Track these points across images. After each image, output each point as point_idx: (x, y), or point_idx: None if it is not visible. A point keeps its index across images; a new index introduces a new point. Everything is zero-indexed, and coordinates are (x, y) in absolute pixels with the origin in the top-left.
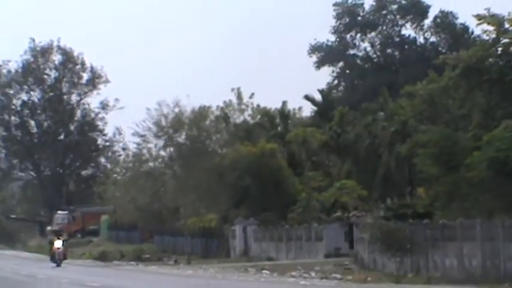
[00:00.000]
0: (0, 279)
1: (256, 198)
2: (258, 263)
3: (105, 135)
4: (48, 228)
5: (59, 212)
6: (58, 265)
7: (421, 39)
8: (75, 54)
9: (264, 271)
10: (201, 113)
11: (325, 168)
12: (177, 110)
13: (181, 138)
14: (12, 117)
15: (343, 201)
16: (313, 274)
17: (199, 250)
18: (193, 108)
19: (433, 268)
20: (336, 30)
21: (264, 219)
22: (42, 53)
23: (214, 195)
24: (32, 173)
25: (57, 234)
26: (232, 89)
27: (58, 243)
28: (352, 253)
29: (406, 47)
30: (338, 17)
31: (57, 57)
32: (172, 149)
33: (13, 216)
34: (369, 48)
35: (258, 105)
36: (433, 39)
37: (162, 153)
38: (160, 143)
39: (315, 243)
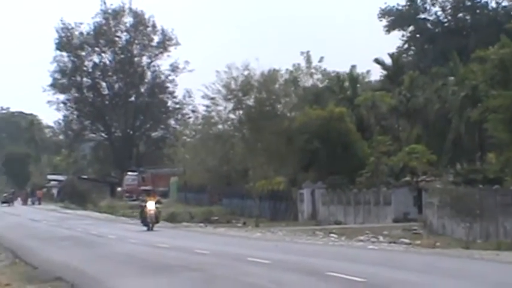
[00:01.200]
0: (72, 238)
1: (325, 162)
2: (325, 227)
3: (175, 97)
4: (119, 189)
5: (129, 173)
6: (149, 229)
7: (492, 4)
8: (146, 16)
9: (332, 235)
10: (270, 76)
11: (394, 132)
12: (246, 73)
13: (251, 101)
14: (84, 79)
15: (412, 165)
16: (381, 238)
17: (267, 213)
18: (262, 72)
19: (503, 234)
20: None
21: (332, 183)
22: (114, 15)
23: (283, 158)
24: (103, 134)
25: (149, 194)
26: (302, 53)
27: (151, 205)
28: (420, 218)
29: (478, 11)
30: None
31: (128, 20)
32: (241, 112)
33: (84, 176)
34: (439, 12)
35: (325, 70)
36: (505, 3)
37: (231, 116)
38: (230, 105)
39: (383, 207)
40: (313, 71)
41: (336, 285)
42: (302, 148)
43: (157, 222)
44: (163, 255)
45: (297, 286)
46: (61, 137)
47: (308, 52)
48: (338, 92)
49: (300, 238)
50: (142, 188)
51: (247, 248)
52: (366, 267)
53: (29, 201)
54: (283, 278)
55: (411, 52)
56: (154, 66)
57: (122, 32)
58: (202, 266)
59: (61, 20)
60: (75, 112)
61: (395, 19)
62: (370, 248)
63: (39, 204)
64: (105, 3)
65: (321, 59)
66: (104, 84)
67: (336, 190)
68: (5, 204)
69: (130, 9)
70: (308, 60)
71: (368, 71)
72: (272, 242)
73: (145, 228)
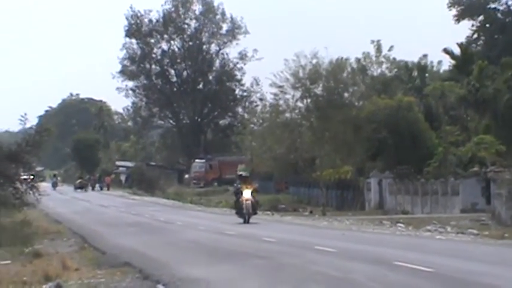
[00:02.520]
0: (140, 224)
1: (392, 151)
2: (393, 216)
3: (242, 85)
4: (186, 176)
5: (197, 160)
6: (246, 221)
7: None
8: (215, 4)
9: (399, 224)
10: (339, 64)
11: (463, 122)
12: (314, 61)
13: (318, 89)
14: (153, 66)
15: (480, 156)
16: (448, 229)
17: (334, 202)
18: (330, 60)
19: None
20: None
21: (399, 173)
22: (183, 2)
23: (350, 147)
24: (171, 121)
25: (246, 181)
26: (372, 41)
27: (247, 193)
28: (488, 209)
29: None
30: None
31: (197, 7)
32: (309, 100)
33: (152, 163)
34: (510, 2)
35: (394, 59)
36: None
37: (299, 104)
38: (298, 94)
39: (451, 197)
40: (382, 59)
41: (403, 275)
42: (370, 137)
43: (254, 213)
44: (230, 243)
45: (364, 275)
46: (130, 123)
47: (379, 41)
48: (407, 81)
49: (366, 227)
50: (239, 173)
51: (314, 237)
52: (433, 257)
53: (97, 186)
54: (350, 266)
55: (480, 42)
56: (222, 54)
57: (190, 19)
58: (269, 254)
59: (131, 7)
60: (144, 99)
61: (465, 8)
62: (438, 238)
63: (108, 190)
64: None
65: (391, 48)
66: (172, 71)
67: (404, 180)
68: (80, 190)
69: None
70: (378, 48)
71: (440, 61)
72: (339, 230)
73: (241, 220)
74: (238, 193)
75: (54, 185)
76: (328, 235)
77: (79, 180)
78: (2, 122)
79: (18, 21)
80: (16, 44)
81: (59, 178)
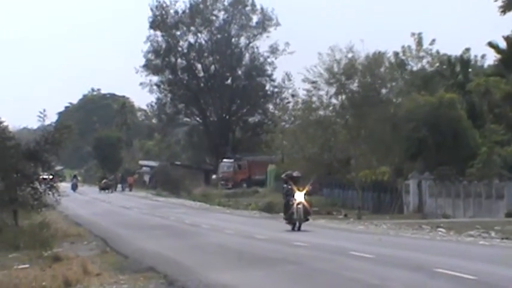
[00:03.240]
0: (164, 227)
1: (433, 152)
2: (432, 220)
3: (273, 80)
4: (214, 176)
5: (225, 159)
6: (296, 228)
7: None
8: None
9: (440, 229)
10: (376, 59)
11: (509, 121)
12: (350, 55)
13: (354, 85)
14: (179, 60)
15: None
16: (492, 234)
17: (370, 205)
18: (367, 54)
19: None
20: None
21: (440, 174)
22: None
23: (388, 147)
24: (198, 118)
25: (297, 181)
26: (413, 34)
27: (299, 196)
28: None
29: None
30: None
31: None
32: (344, 97)
33: (178, 163)
34: None
35: (438, 52)
36: None
37: (334, 101)
38: (332, 90)
39: (495, 201)
40: (423, 53)
41: (444, 282)
42: (409, 136)
43: (306, 219)
44: (259, 247)
45: (402, 283)
46: (154, 120)
47: (420, 34)
48: (449, 76)
49: (405, 232)
50: (288, 172)
51: (349, 241)
52: (476, 264)
53: (119, 187)
54: (388, 273)
55: None
56: (252, 47)
57: (219, 10)
58: (301, 259)
59: None
60: (169, 95)
61: None
62: (481, 244)
63: (130, 191)
64: None
65: (432, 42)
66: (199, 65)
67: (445, 181)
68: (106, 191)
69: None
70: (419, 42)
71: (483, 55)
72: (375, 235)
73: (289, 227)
74: (289, 195)
75: (74, 187)
76: (364, 240)
77: (104, 181)
78: (20, 119)
79: (36, 14)
80: (33, 37)
81: (79, 178)
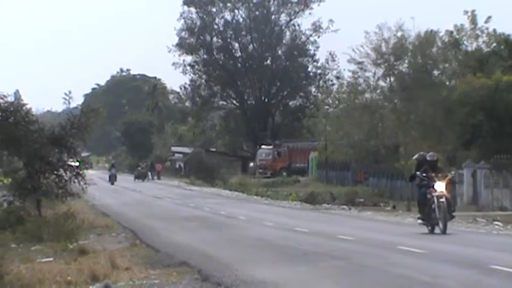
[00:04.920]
0: (198, 218)
1: (489, 139)
2: (488, 213)
3: (316, 61)
4: (251, 164)
5: (263, 146)
6: (440, 230)
7: None
8: None
9: (496, 222)
10: (428, 38)
11: None
12: (399, 34)
13: (404, 66)
14: (214, 39)
15: None
16: None
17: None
18: (418, 33)
19: None
20: None
21: (497, 163)
22: None
23: (440, 133)
24: (235, 102)
25: (435, 168)
26: (466, 12)
27: (440, 186)
28: None
29: None
30: None
31: None
32: (392, 78)
33: (213, 149)
34: None
35: (495, 31)
36: None
37: (381, 83)
38: (380, 71)
39: None
40: (478, 32)
41: (501, 280)
42: (463, 122)
43: (452, 217)
44: (301, 241)
45: (455, 280)
46: (187, 104)
47: (473, 11)
48: (507, 57)
49: (458, 225)
50: (421, 153)
51: (398, 235)
52: None
53: (149, 175)
54: (439, 270)
55: None
56: (293, 25)
57: None
58: (346, 254)
59: None
60: (204, 76)
61: None
62: None
63: (158, 178)
64: None
65: (488, 19)
66: (236, 45)
67: (502, 171)
68: (139, 180)
69: None
70: (473, 20)
71: None
72: (426, 228)
73: (426, 229)
74: (423, 186)
75: (113, 179)
76: (414, 234)
77: (138, 168)
78: (44, 101)
79: None
80: (59, 15)
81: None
